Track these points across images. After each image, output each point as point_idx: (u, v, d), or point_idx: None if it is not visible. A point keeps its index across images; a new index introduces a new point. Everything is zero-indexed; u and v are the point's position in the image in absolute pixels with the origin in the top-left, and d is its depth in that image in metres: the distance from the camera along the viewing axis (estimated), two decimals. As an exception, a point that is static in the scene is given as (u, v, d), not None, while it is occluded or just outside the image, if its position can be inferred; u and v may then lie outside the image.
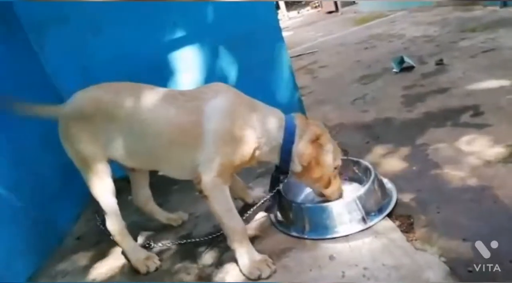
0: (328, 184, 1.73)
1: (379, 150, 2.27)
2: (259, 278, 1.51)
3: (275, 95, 2.84)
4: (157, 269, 1.74)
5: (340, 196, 1.77)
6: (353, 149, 2.35)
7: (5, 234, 1.84)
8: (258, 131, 1.63)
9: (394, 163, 2.07)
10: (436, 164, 1.95)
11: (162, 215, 2.06)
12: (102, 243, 2.05)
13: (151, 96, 1.66)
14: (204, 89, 1.72)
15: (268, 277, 1.51)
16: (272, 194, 1.79)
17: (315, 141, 1.65)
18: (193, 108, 1.60)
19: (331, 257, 1.52)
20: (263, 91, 2.81)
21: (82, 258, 2.01)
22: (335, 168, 1.74)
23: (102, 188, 1.72)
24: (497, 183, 1.66)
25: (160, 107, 1.63)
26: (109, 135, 1.66)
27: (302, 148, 1.64)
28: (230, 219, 1.61)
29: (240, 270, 1.56)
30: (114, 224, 1.77)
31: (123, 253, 1.83)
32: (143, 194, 1.99)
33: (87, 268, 1.92)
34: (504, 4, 4.76)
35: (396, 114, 2.69)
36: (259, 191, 2.13)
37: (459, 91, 2.74)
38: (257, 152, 1.65)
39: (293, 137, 1.65)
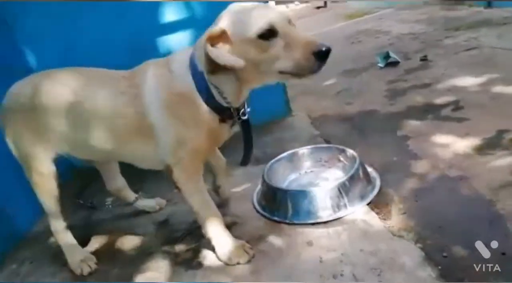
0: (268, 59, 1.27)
1: (361, 140, 2.29)
2: (237, 263, 1.50)
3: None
4: (90, 273, 1.67)
5: (313, 53, 1.22)
6: (336, 140, 2.35)
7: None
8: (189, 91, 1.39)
9: (376, 154, 2.08)
10: (416, 155, 1.97)
11: (138, 202, 2.02)
12: (75, 229, 2.01)
13: (93, 83, 1.52)
14: (138, 72, 1.50)
15: (247, 262, 1.49)
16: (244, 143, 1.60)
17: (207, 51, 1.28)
18: (134, 96, 1.45)
19: (310, 243, 1.52)
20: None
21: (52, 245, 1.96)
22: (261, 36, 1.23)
23: (44, 190, 1.65)
24: (473, 173, 1.68)
25: (102, 96, 1.48)
26: (53, 129, 1.54)
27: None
28: (205, 210, 1.55)
29: (218, 258, 1.54)
30: (54, 225, 1.72)
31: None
32: (116, 183, 1.93)
33: (57, 255, 1.87)
34: (489, 5, 4.84)
35: (379, 107, 2.70)
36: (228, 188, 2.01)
37: (441, 87, 2.78)
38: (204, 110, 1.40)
39: (199, 76, 1.37)
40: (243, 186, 2.06)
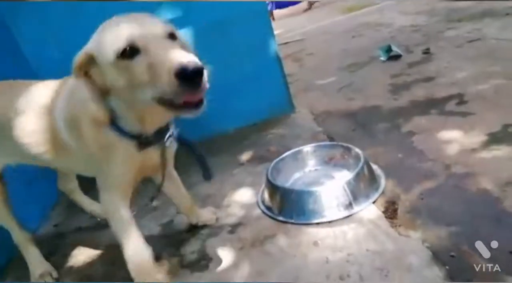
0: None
1: (365, 137, 2.27)
2: None
3: (261, 82, 2.81)
4: None
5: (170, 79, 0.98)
6: (339, 137, 2.34)
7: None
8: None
9: (380, 151, 2.06)
10: (421, 151, 1.95)
11: (89, 206, 2.01)
12: (81, 231, 2.01)
13: (22, 99, 1.46)
14: (59, 84, 1.43)
15: None
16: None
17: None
18: (47, 115, 1.39)
19: (315, 243, 1.51)
20: (249, 78, 2.79)
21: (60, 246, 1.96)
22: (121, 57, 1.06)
23: None
24: (479, 169, 1.67)
25: (25, 114, 1.43)
26: None
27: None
28: (128, 247, 1.36)
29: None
30: (16, 236, 1.70)
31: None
32: (67, 183, 1.92)
33: (65, 256, 1.87)
34: (491, -5, 4.78)
35: (382, 102, 2.68)
36: (209, 211, 1.84)
37: (445, 80, 2.75)
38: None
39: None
40: (247, 186, 2.05)
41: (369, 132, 2.32)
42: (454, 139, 1.95)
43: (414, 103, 2.52)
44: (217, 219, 1.81)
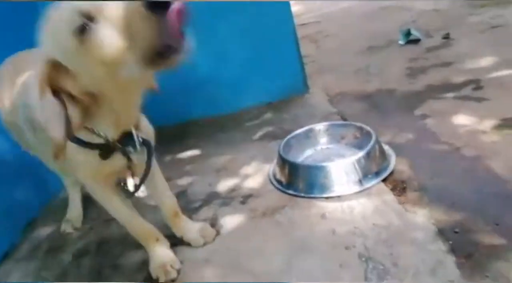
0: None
1: (378, 119, 2.29)
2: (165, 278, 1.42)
3: (277, 62, 2.82)
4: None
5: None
6: (353, 118, 2.35)
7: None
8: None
9: (393, 132, 2.08)
10: (434, 134, 1.96)
11: None
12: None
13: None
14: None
15: (172, 281, 1.42)
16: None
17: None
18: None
19: (323, 216, 1.56)
20: (266, 57, 2.81)
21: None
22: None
23: None
24: (490, 153, 1.68)
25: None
26: None
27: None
28: (131, 225, 1.46)
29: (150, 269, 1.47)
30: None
31: None
32: None
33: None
34: (518, -19, 4.64)
35: (398, 86, 2.68)
36: (199, 232, 1.59)
37: (463, 66, 2.72)
38: None
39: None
40: (260, 160, 2.10)
41: (383, 114, 2.34)
42: (468, 123, 1.96)
43: (430, 87, 2.51)
44: (204, 244, 1.56)
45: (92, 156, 1.19)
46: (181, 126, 2.79)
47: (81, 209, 1.97)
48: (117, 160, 1.23)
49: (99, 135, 1.14)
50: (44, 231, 1.96)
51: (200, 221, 1.66)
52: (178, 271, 1.45)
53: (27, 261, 1.76)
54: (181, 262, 1.49)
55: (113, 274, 1.53)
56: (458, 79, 2.51)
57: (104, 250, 1.71)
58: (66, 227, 1.90)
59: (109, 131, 1.15)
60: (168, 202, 1.57)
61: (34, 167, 1.91)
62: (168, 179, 2.08)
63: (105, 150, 1.19)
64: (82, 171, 1.27)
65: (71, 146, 1.14)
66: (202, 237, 1.57)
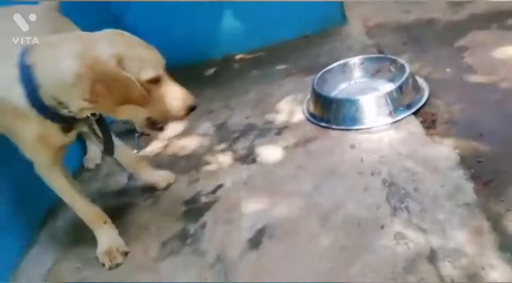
0: (146, 102, 1.20)
1: (415, 51, 2.26)
2: (110, 264, 1.45)
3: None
4: None
5: (186, 110, 1.26)
6: (389, 49, 2.34)
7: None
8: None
9: (429, 64, 2.07)
10: (471, 66, 1.94)
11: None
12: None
13: None
14: None
15: (117, 266, 1.45)
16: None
17: (89, 77, 1.10)
18: None
19: (352, 146, 1.67)
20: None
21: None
22: (154, 80, 1.19)
23: None
24: (527, 86, 1.67)
25: None
26: None
27: (64, 74, 1.11)
28: (77, 206, 1.49)
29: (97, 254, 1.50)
30: None
31: None
32: None
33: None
34: None
35: (440, 15, 2.57)
36: (162, 175, 1.78)
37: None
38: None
39: (30, 77, 1.13)
40: (294, 94, 2.19)
41: (420, 46, 2.30)
42: (507, 55, 1.91)
43: (473, 16, 2.41)
44: (168, 185, 1.75)
45: (54, 129, 1.25)
46: (218, 61, 2.88)
47: (97, 147, 1.96)
48: (72, 135, 1.34)
49: (70, 112, 1.19)
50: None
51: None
52: (126, 254, 1.48)
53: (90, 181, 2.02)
54: (222, 185, 1.68)
55: (164, 194, 1.75)
56: (507, 6, 2.37)
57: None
58: (88, 165, 2.06)
59: (80, 113, 1.22)
60: (129, 152, 1.73)
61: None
62: (209, 112, 2.26)
63: (69, 124, 1.27)
64: (37, 144, 1.28)
65: (33, 120, 1.19)
66: (165, 180, 1.77)
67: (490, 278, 1.03)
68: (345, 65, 2.13)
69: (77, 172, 2.04)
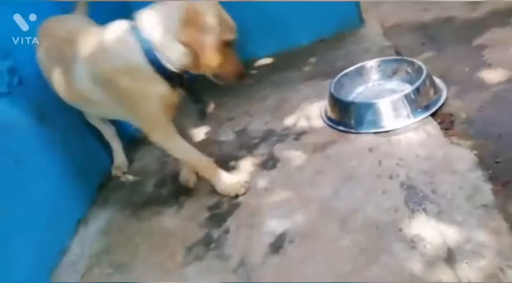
0: (220, 64, 1.48)
1: (433, 51, 2.25)
2: (236, 196, 1.70)
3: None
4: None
5: (239, 75, 1.58)
6: (406, 50, 2.34)
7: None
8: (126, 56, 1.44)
9: (447, 64, 2.07)
10: (490, 65, 1.93)
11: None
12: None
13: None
14: (75, 36, 1.61)
15: (244, 194, 1.70)
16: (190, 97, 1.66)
17: (190, 21, 1.38)
18: (68, 66, 1.58)
19: (371, 149, 1.69)
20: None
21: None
22: (227, 43, 1.48)
23: None
24: (547, 84, 1.65)
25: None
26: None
27: (177, 35, 1.39)
28: (195, 161, 1.71)
29: (220, 192, 1.73)
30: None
31: None
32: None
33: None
34: None
35: (458, 13, 2.55)
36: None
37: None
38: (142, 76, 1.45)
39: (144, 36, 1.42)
40: (312, 99, 2.22)
41: (438, 45, 2.29)
42: (528, 52, 1.89)
43: (493, 13, 2.38)
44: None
45: (165, 87, 1.49)
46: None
47: (124, 155, 2.21)
48: (175, 94, 1.55)
49: (175, 67, 1.46)
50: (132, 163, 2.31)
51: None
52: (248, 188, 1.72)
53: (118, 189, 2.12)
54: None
55: (188, 200, 1.83)
56: (527, 1, 2.33)
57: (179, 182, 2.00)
58: (116, 172, 2.18)
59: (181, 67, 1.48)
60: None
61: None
62: (229, 119, 2.33)
63: (176, 80, 1.51)
64: (151, 104, 1.50)
65: (153, 78, 1.45)
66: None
67: (509, 279, 1.04)
68: (362, 68, 2.15)
69: (105, 180, 2.14)
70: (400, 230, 1.29)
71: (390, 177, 1.50)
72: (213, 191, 1.78)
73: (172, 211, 1.79)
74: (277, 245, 1.42)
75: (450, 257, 1.14)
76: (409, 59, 2.03)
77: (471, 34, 2.23)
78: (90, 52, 1.49)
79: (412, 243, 1.23)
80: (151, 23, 1.41)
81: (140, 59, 1.41)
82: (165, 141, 1.64)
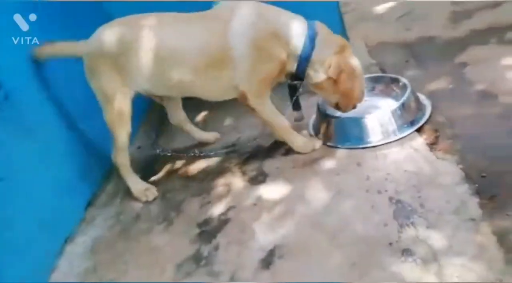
0: (352, 99, 1.82)
1: (417, 68, 2.32)
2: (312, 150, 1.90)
3: (314, 10, 2.81)
4: (155, 198, 1.95)
5: (354, 108, 1.88)
6: (391, 68, 2.40)
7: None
8: (285, 40, 1.71)
9: (431, 81, 2.13)
10: (472, 82, 1.99)
11: (197, 134, 2.29)
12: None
13: (175, 24, 1.77)
14: (222, 10, 1.76)
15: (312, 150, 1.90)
16: (293, 102, 1.95)
17: (341, 52, 1.74)
18: (219, 30, 1.70)
19: (359, 164, 1.72)
20: (301, 8, 2.80)
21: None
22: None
23: (121, 126, 1.86)
24: (528, 100, 1.71)
25: (186, 34, 1.73)
26: (136, 69, 1.75)
27: (326, 57, 1.72)
28: (278, 121, 1.90)
29: (296, 150, 1.92)
30: (121, 158, 1.95)
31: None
32: (178, 117, 2.18)
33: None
34: None
35: (440, 32, 2.64)
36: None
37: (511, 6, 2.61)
38: (286, 60, 1.75)
39: (313, 44, 1.73)
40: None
41: (422, 63, 2.36)
42: (508, 69, 1.96)
43: (473, 32, 2.46)
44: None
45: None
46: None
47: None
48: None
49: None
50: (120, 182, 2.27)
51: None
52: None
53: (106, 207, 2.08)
54: (234, 207, 1.73)
55: (177, 216, 1.81)
56: (505, 21, 2.42)
57: (168, 198, 1.99)
58: (148, 196, 1.99)
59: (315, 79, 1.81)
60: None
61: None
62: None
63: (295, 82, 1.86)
64: (274, 66, 1.75)
65: (288, 48, 1.74)
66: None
67: (498, 292, 1.06)
68: (348, 84, 2.18)
69: (94, 196, 2.11)
70: (390, 244, 1.30)
71: (379, 192, 1.53)
72: (203, 206, 1.77)
73: (161, 228, 1.77)
74: (268, 260, 1.41)
75: (440, 271, 1.16)
76: (394, 76, 2.09)
77: (453, 52, 2.31)
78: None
79: (402, 257, 1.24)
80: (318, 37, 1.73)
81: (297, 44, 1.72)
82: (260, 104, 1.84)
